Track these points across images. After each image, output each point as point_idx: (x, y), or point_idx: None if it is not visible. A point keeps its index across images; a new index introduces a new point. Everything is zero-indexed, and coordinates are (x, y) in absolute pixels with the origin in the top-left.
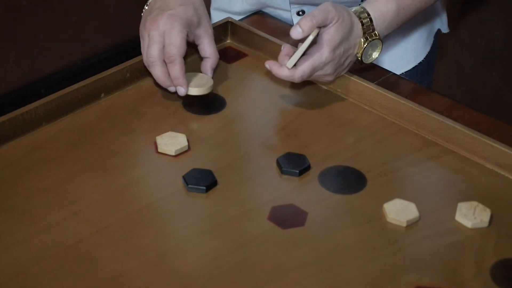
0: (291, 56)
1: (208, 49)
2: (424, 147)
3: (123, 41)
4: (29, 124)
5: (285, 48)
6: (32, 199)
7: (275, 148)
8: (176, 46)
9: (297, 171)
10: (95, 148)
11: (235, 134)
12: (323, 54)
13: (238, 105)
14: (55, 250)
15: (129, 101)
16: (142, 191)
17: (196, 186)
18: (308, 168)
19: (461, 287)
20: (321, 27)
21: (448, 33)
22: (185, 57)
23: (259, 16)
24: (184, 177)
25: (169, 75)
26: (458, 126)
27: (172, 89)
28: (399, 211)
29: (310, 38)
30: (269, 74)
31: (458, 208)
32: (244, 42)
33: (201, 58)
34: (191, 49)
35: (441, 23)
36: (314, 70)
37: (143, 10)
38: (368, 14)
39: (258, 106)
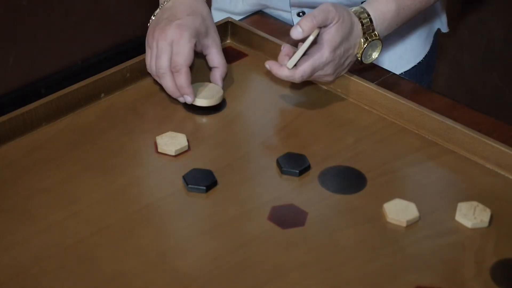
0: (291, 56)
1: (216, 59)
2: (424, 147)
3: (123, 41)
4: (29, 124)
5: (285, 48)
6: (32, 199)
7: (275, 148)
8: (183, 55)
9: (297, 171)
10: (95, 148)
11: (235, 134)
12: (323, 54)
13: (238, 105)
14: (55, 250)
15: (129, 101)
16: (142, 191)
17: (196, 186)
18: (308, 168)
19: (461, 287)
20: (321, 27)
21: (448, 33)
22: (192, 66)
23: (259, 16)
24: (184, 177)
25: None
26: (458, 126)
27: (181, 99)
28: (399, 211)
29: (311, 38)
30: (269, 74)
31: (458, 208)
32: (244, 42)
33: (209, 68)
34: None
35: (441, 23)
36: (314, 70)
37: (150, 20)
38: (368, 15)
39: (258, 106)
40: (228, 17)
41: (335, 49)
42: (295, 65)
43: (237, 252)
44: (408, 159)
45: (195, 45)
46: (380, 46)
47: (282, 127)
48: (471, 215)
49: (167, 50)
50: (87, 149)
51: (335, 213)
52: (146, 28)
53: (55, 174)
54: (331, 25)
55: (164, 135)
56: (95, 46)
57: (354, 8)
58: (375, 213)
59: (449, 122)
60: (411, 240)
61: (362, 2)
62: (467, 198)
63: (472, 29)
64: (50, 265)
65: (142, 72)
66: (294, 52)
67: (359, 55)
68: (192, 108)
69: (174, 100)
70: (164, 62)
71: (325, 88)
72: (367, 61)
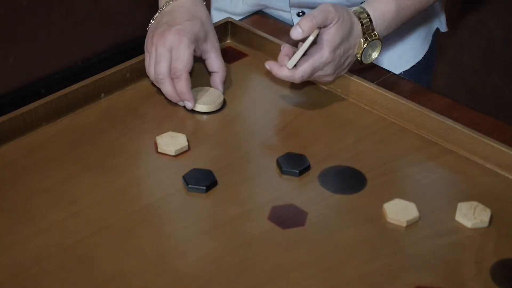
0: (291, 56)
1: (215, 63)
2: (424, 147)
3: (123, 41)
4: (29, 124)
5: (285, 48)
6: (32, 199)
7: (275, 148)
8: (182, 61)
9: (297, 171)
10: (95, 148)
11: (235, 134)
12: (323, 54)
13: (238, 105)
14: (55, 250)
15: (129, 101)
16: (142, 191)
17: (196, 186)
18: (308, 168)
19: (461, 287)
20: (321, 27)
21: (448, 33)
22: (191, 72)
23: (259, 16)
24: (184, 177)
25: None
26: (458, 126)
27: (181, 103)
28: (399, 211)
29: (311, 38)
30: (269, 74)
31: (458, 208)
32: (244, 42)
33: (209, 73)
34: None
35: (440, 22)
36: (314, 70)
37: (149, 24)
38: (368, 15)
39: (258, 106)
40: (228, 17)
41: (335, 49)
42: (295, 65)
43: (237, 252)
44: (408, 159)
45: (194, 50)
46: (380, 46)
47: (282, 127)
48: (471, 215)
49: (167, 56)
50: (87, 149)
51: (335, 213)
52: (146, 29)
53: (55, 174)
54: (331, 25)
55: (164, 135)
56: (95, 46)
57: (353, 8)
58: (375, 213)
59: (449, 122)
60: (411, 240)
61: (361, 2)
62: (467, 198)
63: (472, 29)
64: (50, 265)
65: (142, 72)
66: (294, 52)
67: (359, 55)
68: (192, 109)
69: None
70: (163, 68)
71: (325, 88)
72: (367, 61)
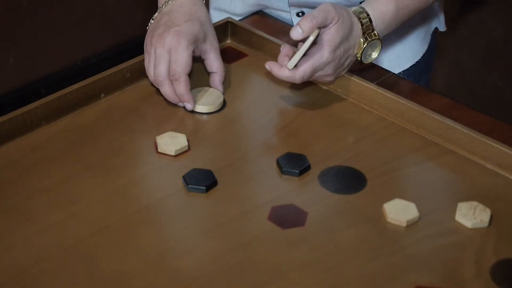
0: (291, 56)
1: (214, 64)
2: (424, 147)
3: (123, 41)
4: (29, 124)
5: (285, 48)
6: (32, 199)
7: (275, 148)
8: (181, 63)
9: (297, 171)
10: (95, 148)
11: (235, 134)
12: (323, 54)
13: (238, 105)
14: (55, 250)
15: (129, 101)
16: (142, 191)
17: (196, 186)
18: (308, 168)
19: (461, 287)
20: (321, 27)
21: (448, 33)
22: (191, 73)
23: (259, 16)
24: (184, 177)
25: None
26: (458, 126)
27: (181, 104)
28: (399, 211)
29: (311, 38)
30: (269, 74)
31: (458, 208)
32: (244, 42)
33: (208, 73)
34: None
35: (439, 22)
36: (314, 70)
37: (149, 24)
38: (368, 14)
39: (258, 106)
40: (228, 17)
41: (335, 49)
42: (295, 65)
43: (237, 252)
44: (408, 159)
45: (194, 50)
46: (380, 46)
47: (282, 127)
48: (471, 215)
49: (165, 58)
50: (87, 149)
51: (335, 213)
52: (146, 28)
53: (55, 174)
54: (331, 25)
55: (164, 135)
56: (95, 46)
57: (353, 8)
58: (375, 213)
59: (449, 122)
60: (411, 240)
61: (361, 2)
62: (467, 198)
63: (472, 29)
64: (50, 265)
65: (142, 72)
66: (294, 53)
67: (358, 55)
68: (192, 110)
69: None
70: (162, 70)
71: (325, 88)
72: (366, 61)
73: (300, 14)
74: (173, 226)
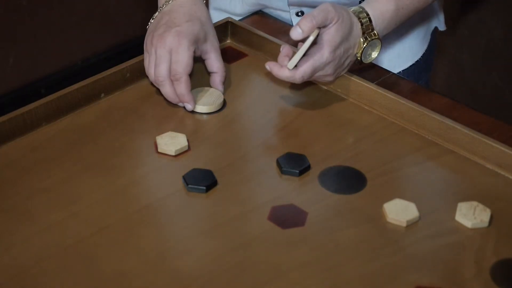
0: (291, 56)
1: (215, 64)
2: (424, 147)
3: (123, 41)
4: (29, 124)
5: (285, 48)
6: (32, 199)
7: (275, 148)
8: (182, 64)
9: (297, 171)
10: (95, 148)
11: (235, 134)
12: (323, 54)
13: (238, 105)
14: (55, 250)
15: (129, 101)
16: (142, 191)
17: (196, 186)
18: (308, 168)
19: (461, 287)
20: (321, 27)
21: (447, 32)
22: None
23: (259, 16)
24: (184, 177)
25: None
26: (458, 126)
27: (181, 105)
28: (399, 211)
29: (311, 38)
30: (269, 74)
31: (458, 208)
32: (244, 42)
33: (208, 73)
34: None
35: (438, 21)
36: (315, 70)
37: (149, 24)
38: (367, 14)
39: (258, 106)
40: (228, 17)
41: (335, 49)
42: (296, 65)
43: (237, 252)
44: (408, 159)
45: (194, 51)
46: (380, 46)
47: (282, 127)
48: (471, 215)
49: (166, 58)
50: (87, 149)
51: (335, 213)
52: (146, 28)
53: (55, 174)
54: (331, 25)
55: (164, 135)
56: (95, 46)
57: (353, 8)
58: (375, 213)
59: (449, 122)
60: (411, 240)
61: (360, 2)
62: (467, 198)
63: (471, 28)
64: (50, 265)
65: (142, 72)
66: (294, 53)
67: (358, 55)
68: (192, 110)
69: None
70: (163, 70)
71: (325, 88)
72: (366, 60)
73: (299, 13)
74: (173, 226)
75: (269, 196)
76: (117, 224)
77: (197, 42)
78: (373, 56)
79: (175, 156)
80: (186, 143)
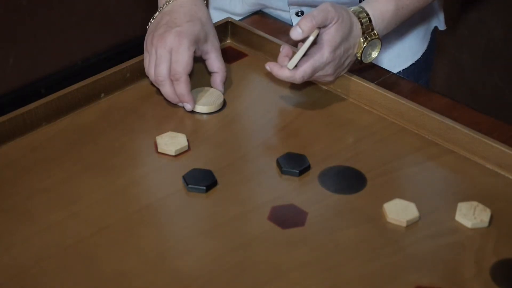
0: (291, 56)
1: (215, 64)
2: (424, 147)
3: (123, 41)
4: (29, 124)
5: (284, 49)
6: (32, 199)
7: (275, 148)
8: (182, 64)
9: (297, 171)
10: (95, 148)
11: (235, 134)
12: (323, 54)
13: (238, 105)
14: (55, 250)
15: (129, 101)
16: (142, 191)
17: (196, 186)
18: (308, 168)
19: (461, 287)
20: (321, 27)
21: (447, 32)
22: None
23: (259, 16)
24: (184, 177)
25: None
26: (458, 126)
27: (181, 105)
28: (399, 211)
29: (311, 39)
30: (269, 74)
31: (458, 208)
32: (244, 42)
33: (209, 73)
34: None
35: (438, 21)
36: (315, 70)
37: (149, 23)
38: (367, 14)
39: (258, 106)
40: (228, 17)
41: (335, 49)
42: (296, 66)
43: (237, 252)
44: (408, 159)
45: (195, 51)
46: (380, 45)
47: (282, 127)
48: (471, 215)
49: (166, 58)
50: (87, 149)
51: (335, 213)
52: (146, 28)
53: (55, 174)
54: (331, 25)
55: (164, 135)
56: (95, 46)
57: (353, 8)
58: (375, 213)
59: (449, 122)
60: (411, 240)
61: (360, 1)
62: (467, 198)
63: (471, 28)
64: (50, 265)
65: (142, 72)
66: (294, 52)
67: (358, 55)
68: (192, 110)
69: None
70: (163, 70)
71: (325, 88)
72: (366, 60)
73: (299, 13)
74: (173, 226)
75: (269, 196)
76: (117, 224)
77: (197, 42)
78: (373, 56)
79: (175, 156)
80: (186, 143)
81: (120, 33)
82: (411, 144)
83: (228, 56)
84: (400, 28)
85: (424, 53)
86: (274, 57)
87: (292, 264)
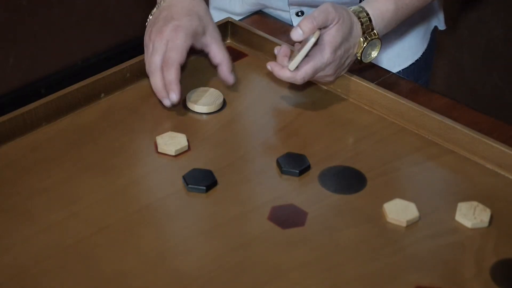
0: (289, 56)
1: (218, 54)
2: (424, 147)
3: (123, 41)
4: (29, 124)
5: (282, 48)
6: (32, 199)
7: (275, 148)
8: (176, 51)
9: (297, 171)
10: (95, 148)
11: (235, 134)
12: (324, 55)
13: (238, 105)
14: (55, 250)
15: (129, 101)
16: (142, 191)
17: (196, 186)
18: (308, 168)
19: (461, 287)
20: (321, 28)
21: (447, 32)
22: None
23: (259, 16)
24: (184, 177)
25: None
26: (458, 126)
27: (166, 102)
28: (399, 211)
29: (312, 40)
30: (269, 74)
31: (458, 208)
32: (244, 42)
33: (215, 67)
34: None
35: (438, 20)
36: (316, 71)
37: (148, 19)
38: (367, 14)
39: (258, 106)
40: (228, 17)
41: (336, 49)
42: (297, 67)
43: (237, 252)
44: (408, 159)
45: (194, 44)
46: (379, 45)
47: (282, 127)
48: (471, 215)
49: (162, 49)
50: (87, 149)
51: (335, 213)
52: (145, 28)
53: (55, 174)
54: (332, 25)
55: (164, 135)
56: (95, 46)
57: (353, 8)
58: (375, 213)
59: (449, 122)
60: (411, 240)
61: (360, 1)
62: (467, 198)
63: (471, 28)
64: (50, 265)
65: (142, 72)
66: (292, 52)
67: (358, 55)
68: (192, 110)
69: None
70: (156, 60)
71: (325, 88)
72: (366, 60)
73: (299, 13)
74: (173, 226)
75: (269, 196)
76: (117, 224)
77: (195, 36)
78: (373, 56)
79: (175, 156)
80: (186, 143)
81: (120, 33)
82: (411, 144)
83: None
84: (400, 28)
85: (424, 53)
86: (274, 57)
87: (292, 264)
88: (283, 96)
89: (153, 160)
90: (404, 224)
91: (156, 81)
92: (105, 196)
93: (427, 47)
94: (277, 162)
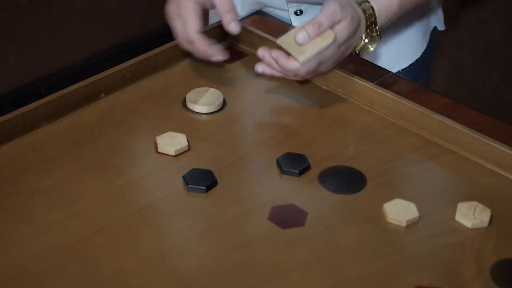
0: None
1: (224, 5)
2: (424, 147)
3: (123, 41)
4: (29, 124)
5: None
6: (32, 199)
7: (275, 148)
8: (190, 27)
9: (297, 171)
10: (95, 148)
11: (235, 134)
12: (329, 50)
13: (238, 105)
14: (55, 250)
15: (129, 101)
16: (142, 191)
17: (196, 186)
18: (308, 168)
19: (461, 287)
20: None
21: (447, 32)
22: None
23: (259, 16)
24: (184, 177)
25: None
26: (458, 126)
27: (215, 58)
28: (399, 211)
29: (329, 42)
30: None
31: (458, 208)
32: (244, 42)
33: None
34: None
35: (437, 20)
36: (320, 64)
37: None
38: (373, 10)
39: (258, 106)
40: None
41: (340, 45)
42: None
43: (237, 252)
44: (408, 159)
45: (205, 4)
46: (378, 40)
47: (282, 127)
48: (471, 215)
49: (178, 27)
50: (87, 149)
51: (335, 213)
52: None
53: (55, 174)
54: (339, 23)
55: (164, 135)
56: (95, 46)
57: (362, 4)
58: (375, 213)
59: (449, 122)
60: (411, 240)
61: None
62: (467, 198)
63: (471, 28)
64: (50, 265)
65: (142, 72)
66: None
67: (358, 49)
68: (192, 110)
69: (174, 100)
70: (180, 39)
71: (325, 88)
72: (363, 54)
73: (298, 12)
74: (173, 226)
75: (269, 196)
76: (117, 224)
77: None
78: (370, 50)
79: (175, 156)
80: (186, 143)
81: (120, 33)
82: (411, 144)
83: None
84: (399, 27)
85: (423, 53)
86: None
87: (292, 264)
88: (283, 96)
89: (153, 160)
90: (404, 224)
91: (194, 53)
92: (105, 196)
93: (426, 47)
94: (277, 162)
